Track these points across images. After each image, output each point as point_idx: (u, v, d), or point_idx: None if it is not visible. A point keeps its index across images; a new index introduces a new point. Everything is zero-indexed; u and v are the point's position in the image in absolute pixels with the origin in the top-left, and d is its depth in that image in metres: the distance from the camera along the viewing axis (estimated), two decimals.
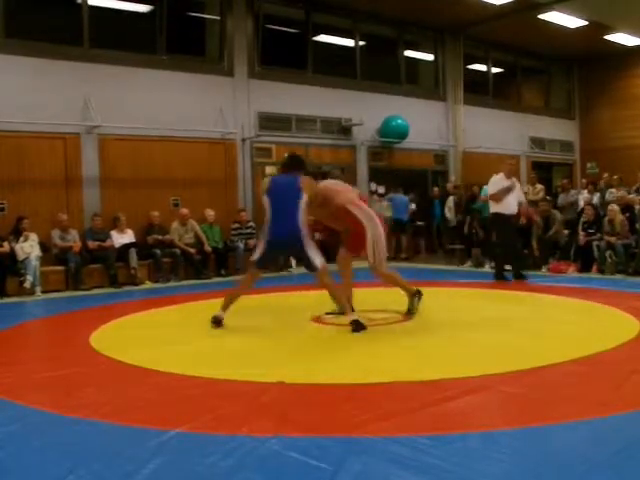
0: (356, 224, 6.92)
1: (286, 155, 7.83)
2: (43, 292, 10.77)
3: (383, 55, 18.03)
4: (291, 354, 5.74)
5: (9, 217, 11.20)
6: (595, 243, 11.74)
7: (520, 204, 11.02)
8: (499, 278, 10.68)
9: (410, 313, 7.32)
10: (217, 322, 6.87)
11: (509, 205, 10.56)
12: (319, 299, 7.44)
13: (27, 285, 10.60)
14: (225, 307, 6.96)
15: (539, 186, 14.80)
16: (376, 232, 6.88)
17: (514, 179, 10.81)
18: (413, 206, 16.21)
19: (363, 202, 7.25)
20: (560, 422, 3.74)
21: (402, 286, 7.45)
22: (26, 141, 11.56)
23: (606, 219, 11.94)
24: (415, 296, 7.39)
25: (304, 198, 6.60)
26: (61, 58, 11.99)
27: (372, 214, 7.02)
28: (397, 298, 7.56)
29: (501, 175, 10.69)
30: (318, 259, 6.62)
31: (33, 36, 11.85)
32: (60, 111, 11.80)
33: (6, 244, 10.73)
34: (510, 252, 10.88)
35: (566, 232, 12.78)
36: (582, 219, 12.45)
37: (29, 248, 10.83)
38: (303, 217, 6.58)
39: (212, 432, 3.71)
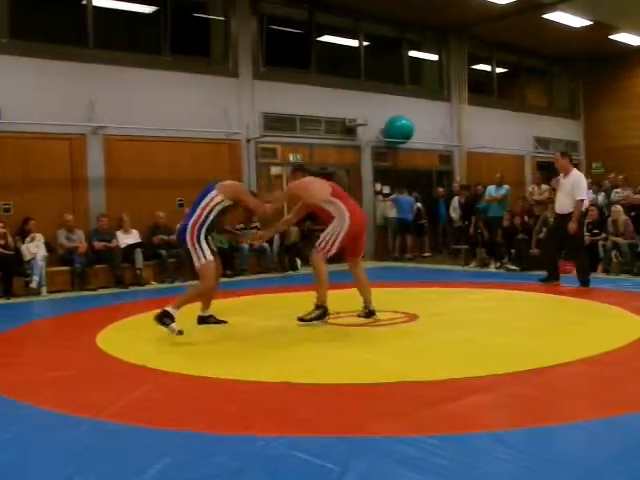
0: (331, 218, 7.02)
1: None
2: (49, 292, 10.81)
3: (387, 55, 18.04)
4: (297, 354, 5.75)
5: (15, 218, 11.24)
6: (601, 243, 11.73)
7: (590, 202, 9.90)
8: (585, 284, 9.77)
9: (301, 319, 7.00)
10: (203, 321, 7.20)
11: (556, 204, 10.01)
12: (336, 299, 7.42)
13: (33, 285, 10.64)
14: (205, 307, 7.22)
15: (544, 186, 14.73)
16: (338, 227, 6.90)
17: (567, 174, 9.78)
18: (418, 204, 16.23)
19: (339, 196, 7.13)
20: (566, 422, 3.75)
21: (319, 290, 7.02)
22: (32, 142, 11.59)
23: (610, 219, 11.92)
24: (319, 309, 7.01)
25: (213, 195, 6.79)
26: (66, 59, 12.03)
27: (344, 211, 6.95)
28: (406, 298, 7.56)
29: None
30: (197, 261, 6.89)
31: (38, 37, 11.89)
32: (65, 112, 11.84)
33: (11, 244, 10.78)
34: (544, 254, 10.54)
35: None
36: (586, 220, 12.43)
37: (35, 248, 10.87)
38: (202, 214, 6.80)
39: (218, 432, 3.72)
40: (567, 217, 9.58)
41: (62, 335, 7.50)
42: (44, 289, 10.78)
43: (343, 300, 7.58)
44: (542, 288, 9.74)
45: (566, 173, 9.79)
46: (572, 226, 9.45)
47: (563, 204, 9.75)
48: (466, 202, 15.05)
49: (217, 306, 7.42)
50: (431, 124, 17.29)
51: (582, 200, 9.59)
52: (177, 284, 11.83)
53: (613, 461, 3.20)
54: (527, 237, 12.66)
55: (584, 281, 9.75)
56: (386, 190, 16.61)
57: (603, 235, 11.83)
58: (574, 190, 9.58)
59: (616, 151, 19.61)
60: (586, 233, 12.05)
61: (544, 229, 11.91)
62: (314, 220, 16.07)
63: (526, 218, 13.34)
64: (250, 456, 3.33)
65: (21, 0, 11.78)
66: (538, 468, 3.13)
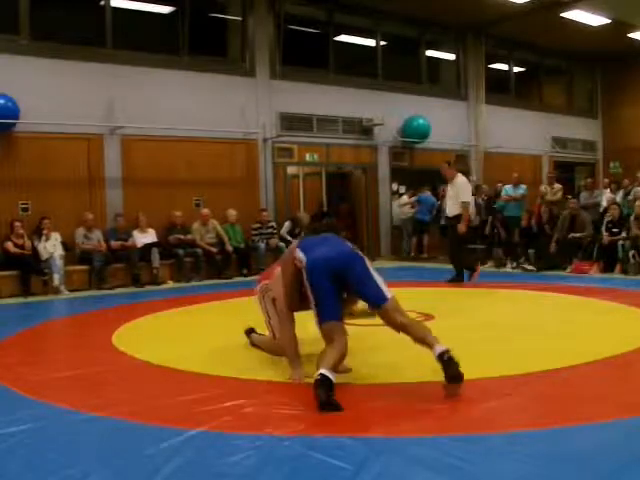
0: None
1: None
2: (68, 291, 10.88)
3: (404, 55, 18.00)
4: (312, 353, 5.74)
5: (33, 217, 11.32)
6: (620, 242, 11.63)
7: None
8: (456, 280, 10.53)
9: None
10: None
11: (447, 210, 10.83)
12: None
13: (56, 284, 10.71)
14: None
15: (557, 186, 14.52)
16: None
17: (452, 181, 10.58)
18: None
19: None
20: (584, 423, 3.72)
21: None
22: (50, 142, 11.67)
23: (632, 217, 11.80)
24: None
25: None
26: (84, 59, 12.11)
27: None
28: (421, 298, 7.53)
29: None
30: None
31: (57, 38, 11.97)
32: (83, 112, 11.90)
33: (28, 243, 10.86)
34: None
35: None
36: (606, 218, 12.34)
37: (52, 247, 10.95)
38: None
39: (234, 431, 3.73)
40: (455, 219, 10.34)
41: (79, 334, 7.54)
42: (63, 287, 10.85)
43: None
44: (559, 288, 9.67)
45: (452, 180, 10.53)
46: (461, 227, 10.25)
47: (451, 208, 10.51)
48: (488, 201, 14.92)
49: (234, 305, 7.42)
50: (448, 123, 17.23)
51: (467, 202, 10.39)
52: (193, 283, 11.89)
53: (631, 463, 3.18)
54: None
55: (456, 273, 10.50)
56: (402, 190, 16.55)
57: (623, 235, 11.70)
58: (459, 194, 10.36)
59: (634, 151, 19.40)
60: (605, 233, 11.99)
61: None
62: (332, 216, 16.10)
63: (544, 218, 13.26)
64: (265, 455, 3.34)
65: (40, 2, 11.86)
66: (554, 470, 3.12)
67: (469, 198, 10.52)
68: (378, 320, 7.09)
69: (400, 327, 4.53)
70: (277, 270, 5.16)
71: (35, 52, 11.58)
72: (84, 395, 4.64)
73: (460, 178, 10.57)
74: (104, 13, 12.47)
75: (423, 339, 4.44)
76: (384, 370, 4.97)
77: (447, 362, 4.20)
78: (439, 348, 4.26)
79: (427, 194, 15.86)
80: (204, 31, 13.99)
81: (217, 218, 12.97)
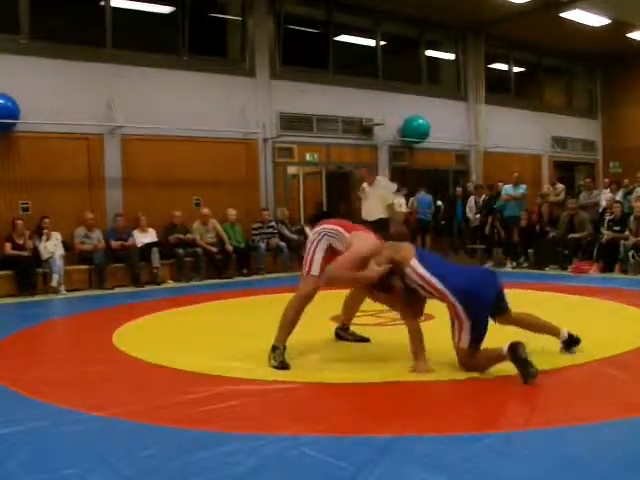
0: None
1: None
2: (67, 291, 10.86)
3: (404, 55, 17.98)
4: (312, 354, 5.74)
5: (33, 217, 11.32)
6: (622, 242, 11.61)
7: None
8: None
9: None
10: None
11: (365, 212, 10.89)
12: (340, 298, 7.42)
13: (54, 284, 10.70)
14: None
15: (560, 186, 14.52)
16: None
17: (372, 184, 10.99)
18: (439, 203, 16.23)
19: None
20: (584, 423, 3.73)
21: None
22: (50, 142, 11.67)
23: (632, 216, 11.80)
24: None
25: None
26: (84, 59, 12.10)
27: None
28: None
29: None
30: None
31: (57, 38, 11.96)
32: (83, 112, 11.90)
33: (30, 242, 10.86)
34: None
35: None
36: (608, 217, 12.35)
37: (53, 247, 10.94)
38: None
39: (234, 431, 3.73)
40: (376, 223, 10.14)
41: (79, 334, 7.55)
42: (62, 287, 10.84)
43: None
44: (559, 288, 9.68)
45: (371, 183, 10.89)
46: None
47: (373, 211, 10.57)
48: (488, 200, 14.90)
49: (233, 305, 7.41)
50: (448, 123, 17.22)
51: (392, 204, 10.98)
52: (193, 283, 11.88)
53: (631, 463, 3.18)
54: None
55: None
56: (404, 191, 16.52)
57: (626, 233, 11.70)
58: (388, 197, 10.79)
59: (634, 151, 19.39)
60: (606, 231, 11.99)
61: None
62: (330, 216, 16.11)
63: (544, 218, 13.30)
64: (266, 456, 3.34)
65: (40, 2, 11.85)
66: (554, 470, 3.12)
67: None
68: (377, 320, 7.14)
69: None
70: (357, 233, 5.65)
71: (35, 52, 11.57)
72: (84, 395, 4.63)
73: (384, 181, 11.04)
74: (104, 13, 12.46)
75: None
76: (384, 370, 4.97)
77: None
78: None
79: (423, 194, 15.83)
80: (204, 31, 13.99)
81: (217, 218, 12.97)
